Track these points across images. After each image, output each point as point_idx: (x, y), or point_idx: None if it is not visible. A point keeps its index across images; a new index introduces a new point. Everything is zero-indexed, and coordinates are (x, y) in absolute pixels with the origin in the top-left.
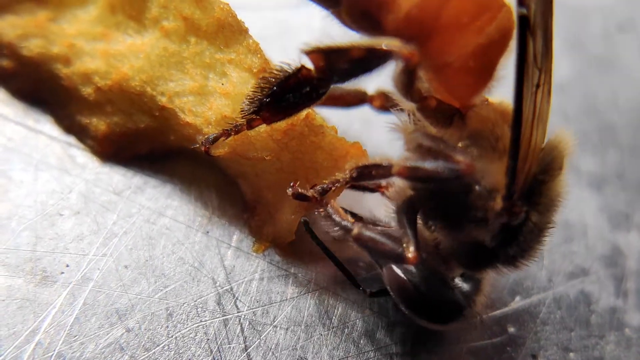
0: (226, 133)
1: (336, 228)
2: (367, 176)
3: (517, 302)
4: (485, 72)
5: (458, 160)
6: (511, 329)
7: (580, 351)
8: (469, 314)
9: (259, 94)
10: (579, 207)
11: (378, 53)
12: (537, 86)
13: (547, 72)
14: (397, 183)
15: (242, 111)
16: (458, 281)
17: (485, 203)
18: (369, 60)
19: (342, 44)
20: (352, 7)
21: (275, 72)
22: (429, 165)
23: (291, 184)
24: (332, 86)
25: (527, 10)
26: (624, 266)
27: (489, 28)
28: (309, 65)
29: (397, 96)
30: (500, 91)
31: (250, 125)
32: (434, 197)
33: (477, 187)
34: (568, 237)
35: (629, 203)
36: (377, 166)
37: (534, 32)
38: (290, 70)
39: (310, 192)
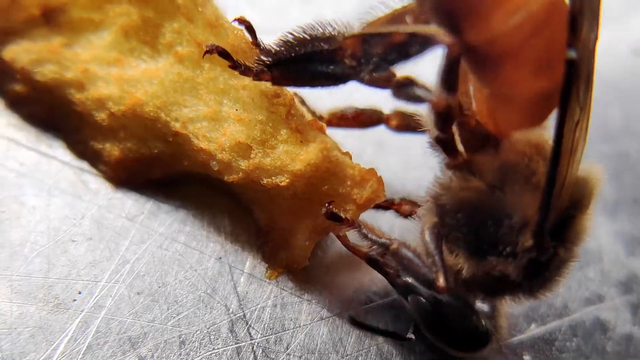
0: (234, 65)
1: (374, 245)
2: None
3: (533, 330)
4: (537, 117)
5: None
6: (527, 357)
7: None
8: (495, 340)
9: (285, 47)
10: (594, 233)
11: (419, 38)
12: (577, 123)
13: (587, 109)
14: (423, 207)
15: (257, 58)
16: (479, 307)
17: (515, 238)
18: (409, 45)
19: (383, 30)
20: (440, 5)
21: (314, 33)
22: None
23: (326, 204)
24: (347, 107)
25: (577, 53)
26: None
27: (559, 78)
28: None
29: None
30: None
31: (258, 76)
32: (462, 227)
33: (507, 221)
34: (584, 263)
35: None
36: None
37: (579, 74)
38: (328, 38)
39: (343, 214)
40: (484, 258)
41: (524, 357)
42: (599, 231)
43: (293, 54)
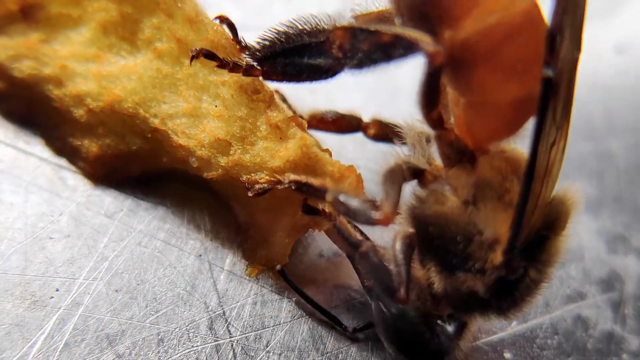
0: (222, 64)
1: (345, 243)
2: (305, 192)
3: (514, 327)
4: (514, 125)
5: (379, 208)
6: (508, 355)
7: None
8: (452, 357)
9: (273, 41)
10: (576, 231)
11: (404, 42)
12: (553, 144)
13: (565, 130)
14: (399, 219)
15: (247, 53)
16: (444, 323)
17: (485, 254)
18: (394, 47)
19: (372, 27)
20: (413, 7)
21: (304, 26)
22: (353, 204)
23: (304, 198)
24: (327, 110)
25: (553, 71)
26: (622, 290)
27: (536, 83)
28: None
29: (411, 123)
30: None
31: (248, 71)
32: (434, 241)
33: (478, 237)
34: (565, 260)
35: (626, 226)
36: (315, 189)
37: (556, 92)
38: (318, 30)
39: (321, 206)
40: (454, 273)
41: (505, 354)
42: (581, 229)
43: (283, 47)
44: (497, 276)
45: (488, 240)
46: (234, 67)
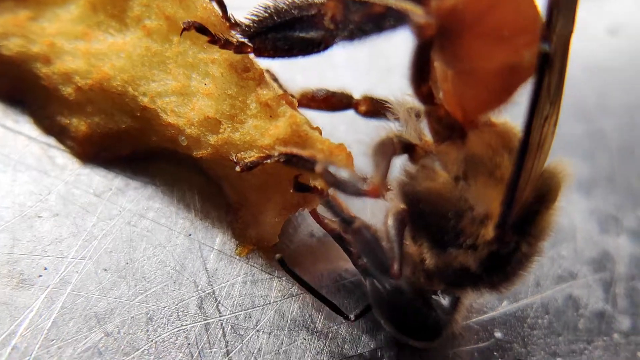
0: (214, 40)
1: (338, 219)
2: (294, 164)
3: (505, 307)
4: (502, 94)
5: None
6: (498, 334)
7: (568, 356)
8: (449, 331)
9: (264, 16)
10: (568, 211)
11: (395, 14)
12: (546, 118)
13: (557, 105)
14: (390, 195)
15: (239, 29)
16: (439, 297)
17: (477, 230)
18: (385, 18)
19: None
20: None
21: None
22: (343, 176)
23: (295, 176)
24: (318, 89)
25: (550, 46)
26: (613, 270)
27: (524, 51)
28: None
29: (401, 99)
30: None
31: (239, 49)
32: (425, 217)
33: (469, 213)
34: (557, 240)
35: (618, 207)
36: (305, 161)
37: (551, 67)
38: (309, 3)
39: (313, 183)
40: (446, 249)
41: (496, 334)
42: (573, 209)
43: (274, 22)
44: (489, 251)
45: (479, 215)
46: (225, 44)
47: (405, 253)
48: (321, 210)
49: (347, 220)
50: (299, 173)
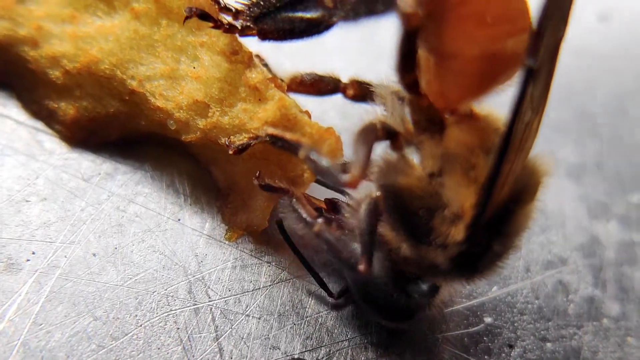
0: (216, 24)
1: (299, 222)
2: (280, 147)
3: (494, 292)
4: (483, 82)
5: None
6: (488, 319)
7: (558, 341)
8: (428, 314)
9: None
10: (557, 197)
11: None
12: (527, 124)
13: (540, 112)
14: (365, 182)
15: (243, 13)
16: (417, 281)
17: (447, 229)
18: (377, 1)
19: None
20: None
21: None
22: (325, 164)
23: (256, 174)
24: (306, 73)
25: (535, 62)
26: (602, 256)
27: (506, 40)
28: None
29: (387, 83)
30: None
31: (243, 31)
32: (398, 209)
33: (440, 212)
34: (546, 226)
35: (607, 193)
36: (290, 144)
37: (536, 79)
38: None
39: (277, 183)
40: (417, 243)
41: (485, 319)
42: (563, 195)
43: (275, 3)
44: (458, 250)
45: (451, 215)
46: (229, 28)
47: (383, 238)
48: None
49: (309, 224)
50: (263, 171)
